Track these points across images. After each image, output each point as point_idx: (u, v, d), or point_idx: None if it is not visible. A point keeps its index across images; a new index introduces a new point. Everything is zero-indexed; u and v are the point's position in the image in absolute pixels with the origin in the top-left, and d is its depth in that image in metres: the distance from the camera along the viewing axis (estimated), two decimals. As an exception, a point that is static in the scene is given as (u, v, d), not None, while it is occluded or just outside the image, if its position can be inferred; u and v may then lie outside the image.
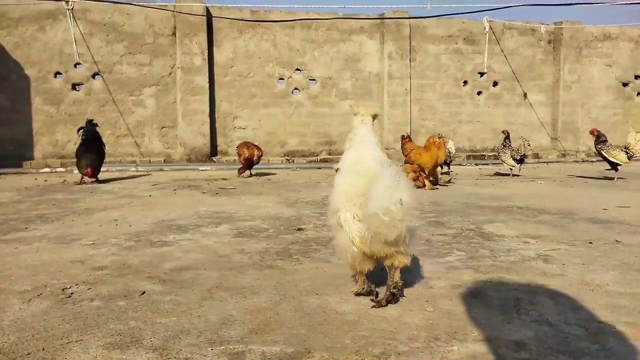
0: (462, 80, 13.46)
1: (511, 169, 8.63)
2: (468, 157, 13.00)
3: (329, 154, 12.57)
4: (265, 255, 3.17)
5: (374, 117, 2.47)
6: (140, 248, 3.39)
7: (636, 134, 7.95)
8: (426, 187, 6.73)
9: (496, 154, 9.40)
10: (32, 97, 10.89)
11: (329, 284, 2.59)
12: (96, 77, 11.21)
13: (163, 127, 11.65)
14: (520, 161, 8.53)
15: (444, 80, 13.32)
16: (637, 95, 14.80)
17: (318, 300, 2.34)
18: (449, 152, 8.29)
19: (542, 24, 13.79)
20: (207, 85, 11.60)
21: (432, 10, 11.93)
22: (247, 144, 8.59)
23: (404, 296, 2.39)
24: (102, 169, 7.84)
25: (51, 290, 2.50)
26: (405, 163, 6.94)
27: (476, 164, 11.98)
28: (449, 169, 8.98)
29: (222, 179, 8.34)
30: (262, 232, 3.89)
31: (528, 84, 13.95)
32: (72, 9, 10.79)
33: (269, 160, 11.63)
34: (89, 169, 7.39)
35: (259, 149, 8.57)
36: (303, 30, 12.31)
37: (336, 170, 2.45)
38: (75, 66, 11.07)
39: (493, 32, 13.42)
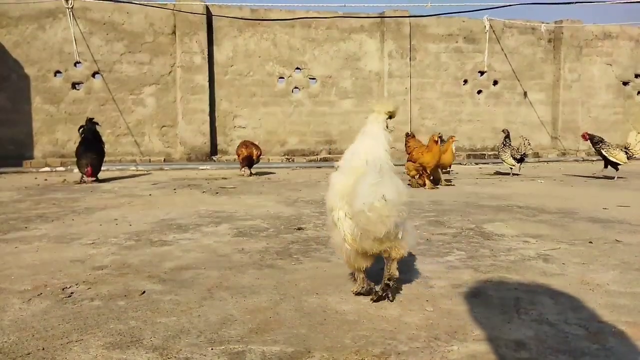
0: (462, 79, 13.46)
1: (511, 168, 8.62)
2: (468, 156, 13.00)
3: (329, 153, 12.57)
4: (265, 255, 3.17)
5: (391, 114, 2.47)
6: (140, 247, 3.39)
7: (637, 134, 7.94)
8: (426, 186, 6.73)
9: (496, 153, 9.40)
10: (32, 96, 10.89)
11: (329, 283, 2.59)
12: (96, 76, 11.21)
13: (163, 126, 11.65)
14: (521, 160, 8.52)
15: (444, 79, 13.31)
16: (637, 94, 14.80)
17: (318, 300, 2.34)
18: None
19: (543, 22, 13.79)
20: (207, 84, 11.60)
21: (432, 9, 12.02)
22: (245, 144, 8.60)
23: (400, 290, 2.39)
24: (102, 168, 7.84)
25: (51, 289, 2.50)
26: (407, 161, 6.94)
27: (476, 163, 11.98)
28: (449, 168, 8.97)
29: (222, 178, 8.34)
30: (262, 232, 3.89)
31: (528, 82, 13.94)
32: (72, 7, 10.78)
33: (269, 159, 11.64)
34: (89, 168, 7.39)
35: (257, 147, 8.58)
36: (303, 29, 12.31)
37: (337, 169, 2.46)
38: (75, 65, 11.07)
39: (493, 31, 13.41)
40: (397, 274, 2.35)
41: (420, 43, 13.06)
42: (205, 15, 11.52)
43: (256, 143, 8.88)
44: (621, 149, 7.87)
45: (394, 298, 2.35)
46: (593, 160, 11.83)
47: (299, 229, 3.99)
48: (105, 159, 8.08)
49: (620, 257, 3.09)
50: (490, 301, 2.31)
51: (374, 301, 2.31)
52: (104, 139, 8.17)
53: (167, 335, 1.94)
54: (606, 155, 7.84)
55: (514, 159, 8.40)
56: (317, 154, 12.55)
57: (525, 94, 13.97)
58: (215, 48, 11.82)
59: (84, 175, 7.53)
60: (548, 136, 14.29)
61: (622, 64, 14.57)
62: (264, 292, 2.45)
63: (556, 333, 1.95)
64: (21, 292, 2.46)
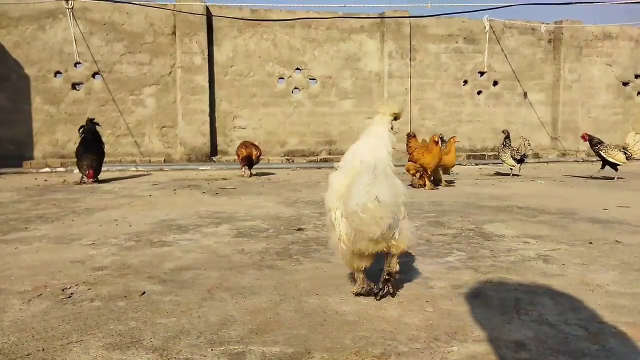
0: (462, 80, 13.46)
1: (511, 169, 8.62)
2: (468, 156, 13.00)
3: (329, 154, 12.57)
4: (265, 255, 3.17)
5: (396, 116, 2.48)
6: (140, 248, 3.39)
7: (635, 134, 7.94)
8: (426, 187, 6.73)
9: (496, 153, 9.40)
10: (32, 96, 10.89)
11: (329, 284, 2.59)
12: (96, 76, 11.21)
13: (163, 127, 11.65)
14: (521, 161, 8.53)
15: (444, 79, 13.31)
16: (637, 94, 14.80)
17: (318, 301, 2.34)
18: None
19: (543, 23, 13.79)
20: (207, 84, 11.60)
21: (432, 9, 11.99)
22: (245, 144, 8.60)
23: (399, 287, 2.39)
24: (102, 168, 7.84)
25: (51, 290, 2.50)
26: (408, 161, 6.93)
27: (476, 164, 11.98)
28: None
29: (222, 178, 8.34)
30: (262, 232, 3.89)
31: (528, 83, 13.95)
32: (72, 8, 10.79)
33: (269, 160, 11.64)
34: (90, 171, 7.40)
35: (257, 148, 8.58)
36: (303, 29, 12.31)
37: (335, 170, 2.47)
38: (75, 65, 11.07)
39: (493, 32, 13.41)
40: (397, 267, 2.36)
41: (420, 43, 13.06)
42: (205, 16, 11.52)
43: (256, 144, 8.89)
44: (619, 150, 7.86)
45: (395, 293, 2.36)
46: (593, 161, 11.83)
47: (299, 229, 3.99)
48: (105, 159, 8.08)
49: (620, 257, 3.09)
50: (490, 302, 2.31)
51: (378, 299, 2.32)
52: (104, 139, 8.17)
53: (167, 336, 1.94)
54: (604, 156, 7.84)
55: (514, 159, 8.40)
56: (317, 155, 12.55)
57: (525, 94, 13.97)
58: (215, 48, 11.83)
59: (84, 176, 7.53)
60: (548, 137, 14.29)
61: (622, 65, 14.57)
62: (264, 293, 2.45)
63: (556, 334, 1.95)
64: (21, 293, 2.46)
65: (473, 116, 13.62)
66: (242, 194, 6.25)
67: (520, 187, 7.12)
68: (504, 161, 8.50)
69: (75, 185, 7.38)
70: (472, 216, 4.59)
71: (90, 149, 7.51)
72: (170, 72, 11.58)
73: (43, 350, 1.83)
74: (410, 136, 7.19)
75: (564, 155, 13.82)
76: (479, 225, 4.14)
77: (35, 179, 8.36)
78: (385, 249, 2.27)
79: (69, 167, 9.83)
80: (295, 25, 12.22)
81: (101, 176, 7.81)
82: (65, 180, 8.06)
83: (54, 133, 11.04)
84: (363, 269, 2.35)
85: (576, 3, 11.85)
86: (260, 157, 8.75)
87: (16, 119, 10.79)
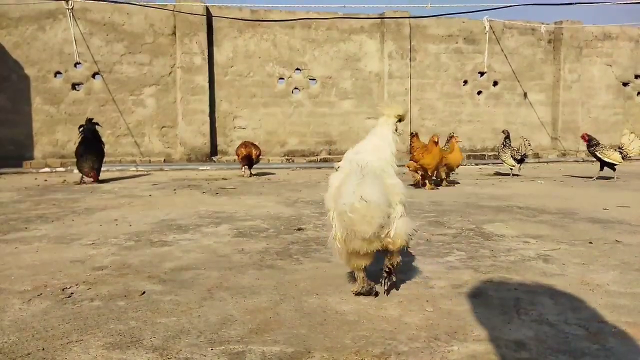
0: (462, 80, 13.46)
1: (511, 169, 8.62)
2: (468, 156, 13.00)
3: (329, 154, 12.57)
4: (265, 255, 3.17)
5: (400, 118, 2.50)
6: (140, 248, 3.39)
7: (630, 134, 7.96)
8: (426, 187, 6.72)
9: (496, 153, 9.40)
10: (32, 96, 10.89)
11: (329, 283, 2.59)
12: (96, 76, 11.21)
13: (163, 127, 11.65)
14: (521, 161, 8.53)
15: (444, 79, 13.31)
16: (637, 94, 14.80)
17: (318, 300, 2.34)
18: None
19: (542, 23, 13.79)
20: (207, 84, 11.60)
21: (432, 9, 11.99)
22: (245, 144, 8.61)
23: (399, 286, 2.39)
24: (102, 168, 7.84)
25: (51, 290, 2.50)
26: (410, 160, 6.92)
27: (476, 164, 11.98)
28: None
29: (222, 178, 8.34)
30: (262, 232, 3.89)
31: (528, 83, 13.95)
32: (72, 8, 10.79)
33: (269, 160, 11.64)
34: (93, 173, 7.41)
35: (257, 147, 8.59)
36: (303, 29, 12.31)
37: (337, 170, 2.48)
38: (75, 66, 11.07)
39: (493, 32, 13.41)
40: (398, 259, 2.37)
41: (420, 44, 13.06)
42: (205, 16, 11.53)
43: (256, 144, 8.89)
44: (615, 150, 7.87)
45: (398, 286, 2.41)
46: (593, 161, 11.79)
47: (299, 229, 3.99)
48: (105, 159, 8.08)
49: (620, 257, 3.09)
50: (491, 301, 2.31)
51: (386, 294, 2.35)
52: (103, 139, 8.17)
53: (167, 336, 1.94)
54: (600, 156, 7.84)
55: (514, 159, 8.40)
56: (317, 155, 12.55)
57: (525, 94, 13.97)
58: (215, 49, 11.83)
59: (84, 176, 7.54)
60: (548, 137, 14.29)
61: (622, 65, 14.57)
62: (264, 293, 2.45)
63: (556, 333, 1.95)
64: (21, 293, 2.46)
65: (473, 116, 13.62)
66: (242, 194, 6.25)
67: (520, 187, 7.12)
68: (504, 161, 8.50)
69: (75, 185, 7.39)
70: (472, 216, 4.59)
71: (90, 148, 7.51)
72: (170, 73, 11.58)
73: (43, 349, 1.83)
74: (413, 135, 7.18)
75: (564, 155, 13.82)
76: (479, 225, 4.14)
77: (35, 179, 8.36)
78: (380, 248, 2.28)
79: (68, 167, 9.83)
80: (295, 25, 12.23)
81: (101, 176, 7.81)
82: (65, 180, 8.06)
83: (54, 133, 11.04)
84: (363, 267, 2.36)
85: (576, 3, 11.86)
86: (260, 156, 8.75)
87: (16, 119, 10.79)
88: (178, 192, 6.52)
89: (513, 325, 2.03)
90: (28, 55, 10.83)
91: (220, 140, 12.03)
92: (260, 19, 11.98)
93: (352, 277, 2.60)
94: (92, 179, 7.46)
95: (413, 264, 2.95)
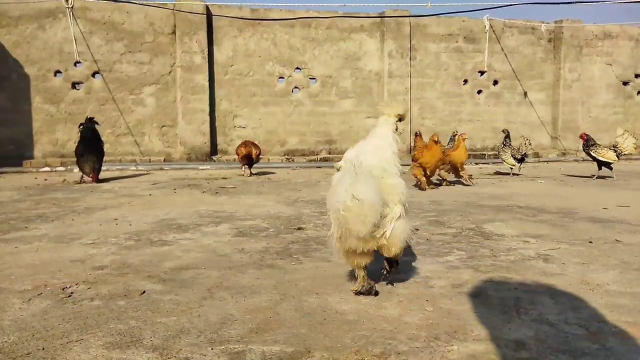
0: (462, 79, 13.45)
1: (511, 168, 8.62)
2: (468, 156, 12.98)
3: (329, 153, 12.57)
4: (265, 255, 3.17)
5: (399, 117, 2.51)
6: (141, 247, 3.39)
7: (624, 132, 7.97)
8: (425, 188, 6.71)
9: (496, 153, 9.39)
10: (32, 96, 10.89)
11: (329, 283, 2.59)
12: (96, 75, 11.20)
13: (163, 126, 11.65)
14: (521, 160, 8.52)
15: (444, 78, 13.30)
16: (637, 94, 14.79)
17: (318, 300, 2.34)
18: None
19: (543, 22, 13.78)
20: (207, 84, 11.59)
21: (433, 8, 12.01)
22: (245, 143, 8.61)
23: (395, 283, 2.40)
24: (102, 168, 7.84)
25: (51, 289, 2.50)
26: (412, 160, 6.90)
27: (476, 163, 11.98)
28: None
29: (222, 178, 8.34)
30: (262, 232, 3.89)
31: (528, 82, 13.94)
32: (72, 7, 10.78)
33: (269, 159, 11.64)
34: (93, 174, 7.42)
35: (257, 147, 8.58)
36: (303, 28, 12.30)
37: (337, 170, 2.49)
38: (75, 65, 11.07)
39: (493, 31, 13.40)
40: (397, 258, 2.43)
41: (420, 43, 13.05)
42: (205, 15, 11.52)
43: (256, 143, 8.89)
44: (609, 148, 7.87)
45: (390, 278, 2.49)
46: (592, 161, 11.83)
47: (299, 229, 3.99)
48: (105, 158, 8.08)
49: (620, 257, 3.09)
50: (490, 301, 2.31)
51: (377, 295, 2.37)
52: (103, 138, 8.17)
53: (167, 335, 1.94)
54: (595, 155, 7.85)
55: (515, 158, 8.39)
56: (317, 154, 12.55)
57: (525, 93, 13.96)
58: (215, 48, 11.82)
59: (84, 175, 7.54)
60: (548, 136, 14.28)
61: (622, 64, 14.56)
62: (264, 292, 2.45)
63: (556, 333, 1.95)
64: (21, 292, 2.46)
65: (473, 115, 13.61)
66: (242, 193, 6.25)
67: (521, 186, 7.12)
68: (504, 160, 8.50)
69: (75, 184, 7.38)
70: (472, 215, 4.59)
71: (90, 147, 7.50)
72: (170, 72, 11.58)
73: (43, 349, 1.83)
74: (417, 135, 7.14)
75: (564, 154, 13.82)
76: (479, 225, 4.14)
77: (35, 178, 8.36)
78: (376, 248, 2.28)
79: (69, 167, 9.83)
80: (295, 24, 12.22)
81: (101, 175, 7.81)
82: (65, 179, 8.06)
83: (54, 132, 11.04)
84: (363, 266, 2.36)
85: (576, 3, 11.85)
86: (260, 156, 8.75)
87: (16, 118, 10.79)
88: (178, 191, 6.52)
89: (513, 324, 2.03)
90: (28, 54, 10.82)
91: (220, 139, 12.02)
92: (260, 18, 11.97)
93: (352, 276, 2.60)
94: (93, 179, 7.46)
95: (413, 263, 2.96)
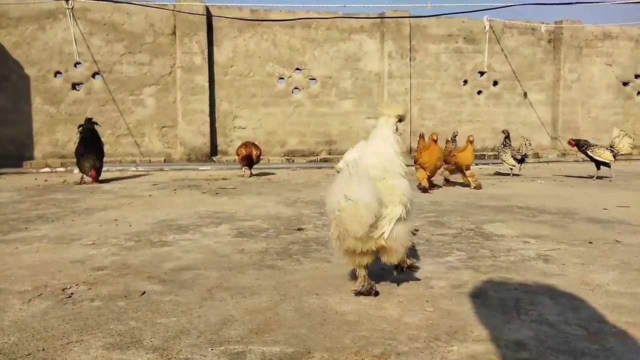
0: (462, 80, 13.45)
1: (511, 169, 8.62)
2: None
3: (329, 154, 12.57)
4: (265, 255, 3.17)
5: (400, 118, 2.51)
6: (141, 248, 3.39)
7: (620, 131, 8.02)
8: (425, 188, 6.67)
9: (496, 153, 9.39)
10: (32, 96, 10.89)
11: (329, 284, 2.59)
12: (96, 76, 11.21)
13: (163, 127, 11.65)
14: (521, 161, 8.52)
15: (444, 79, 13.31)
16: (637, 94, 14.80)
17: (318, 301, 2.34)
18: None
19: (543, 23, 13.78)
20: (207, 84, 11.60)
21: (432, 9, 11.98)
22: (245, 144, 8.61)
23: (408, 271, 2.42)
24: (102, 168, 7.83)
25: (51, 290, 2.50)
26: (414, 162, 6.86)
27: (476, 164, 11.96)
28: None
29: (222, 178, 8.34)
30: (262, 232, 3.89)
31: (528, 83, 13.94)
32: (72, 8, 10.78)
33: (269, 160, 11.64)
34: (93, 172, 7.41)
35: (257, 147, 8.59)
36: (303, 29, 12.31)
37: (337, 170, 2.50)
38: (75, 65, 11.07)
39: (493, 32, 13.41)
40: (404, 264, 2.48)
41: (420, 43, 13.06)
42: (205, 16, 11.52)
43: (256, 144, 8.89)
44: (606, 148, 7.90)
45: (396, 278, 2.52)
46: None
47: (299, 229, 3.99)
48: (105, 159, 8.08)
49: (620, 257, 3.09)
50: (490, 302, 2.31)
51: (377, 295, 2.39)
52: (103, 139, 8.17)
53: (167, 336, 1.95)
54: (592, 155, 7.87)
55: (515, 159, 8.39)
56: (317, 155, 12.55)
57: (525, 94, 13.97)
58: (215, 48, 11.82)
59: (84, 176, 7.54)
60: (548, 136, 14.29)
61: (622, 65, 14.57)
62: (264, 293, 2.45)
63: (556, 333, 1.95)
64: (21, 293, 2.46)
65: (473, 116, 13.61)
66: (242, 194, 6.25)
67: (520, 187, 7.12)
68: (504, 161, 8.50)
69: (75, 185, 7.38)
70: (472, 216, 4.59)
71: (90, 148, 7.50)
72: (170, 72, 11.58)
73: (43, 350, 1.83)
74: (420, 137, 7.09)
75: (564, 155, 13.81)
76: (479, 225, 4.14)
77: (35, 179, 8.36)
78: (374, 248, 2.28)
79: (69, 167, 9.82)
80: (295, 25, 12.22)
81: (101, 176, 7.81)
82: (65, 180, 8.06)
83: (54, 133, 11.04)
84: (364, 265, 2.37)
85: (576, 3, 11.85)
86: (261, 157, 8.75)
87: (16, 119, 10.79)
88: (178, 192, 6.52)
89: (513, 325, 2.03)
90: (28, 55, 10.82)
91: (220, 140, 12.03)
92: (260, 19, 11.98)
93: (352, 277, 2.60)
94: (91, 179, 7.46)
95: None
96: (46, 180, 8.05)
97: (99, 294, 2.44)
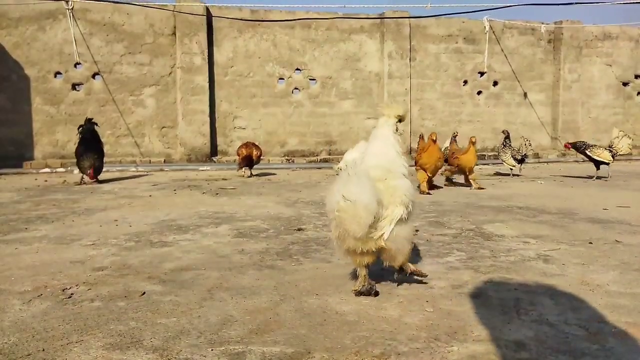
0: (462, 80, 13.45)
1: (511, 169, 8.62)
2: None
3: (329, 154, 12.57)
4: (265, 256, 3.17)
5: (400, 118, 2.52)
6: (141, 248, 3.39)
7: (619, 132, 8.07)
8: (420, 188, 6.65)
9: (496, 153, 9.39)
10: (32, 97, 10.89)
11: (329, 284, 2.59)
12: (96, 77, 11.21)
13: (163, 127, 11.65)
14: (521, 161, 8.52)
15: (444, 79, 13.31)
16: (637, 94, 14.80)
17: (318, 301, 2.34)
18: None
19: (542, 23, 13.79)
20: (207, 85, 11.60)
21: (432, 9, 11.94)
22: (246, 144, 8.61)
23: (414, 277, 2.49)
24: (102, 169, 7.83)
25: (51, 290, 2.50)
26: (414, 164, 6.84)
27: (476, 164, 11.97)
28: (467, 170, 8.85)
29: (222, 179, 8.34)
30: (262, 232, 3.89)
31: (528, 83, 13.95)
32: (72, 8, 10.78)
33: (269, 160, 11.63)
34: (90, 171, 7.41)
35: (258, 148, 8.58)
36: (303, 29, 12.31)
37: (337, 170, 2.51)
38: (75, 66, 11.07)
39: (493, 32, 13.41)
40: (408, 270, 2.47)
41: (420, 44, 13.06)
42: (205, 16, 11.52)
43: (257, 144, 8.89)
44: (605, 148, 7.93)
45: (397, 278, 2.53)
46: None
47: (299, 229, 3.99)
48: (105, 160, 8.08)
49: (620, 257, 3.09)
50: (490, 302, 2.31)
51: (377, 295, 2.39)
52: (103, 139, 8.17)
53: (167, 336, 1.95)
54: (591, 155, 7.90)
55: (515, 159, 8.39)
56: (317, 155, 12.55)
57: (525, 94, 13.97)
58: (215, 49, 11.82)
59: (84, 176, 7.54)
60: (548, 137, 14.29)
61: (622, 65, 14.57)
62: (264, 293, 2.45)
63: (556, 333, 1.95)
64: (21, 293, 2.46)
65: (473, 116, 13.61)
66: (242, 194, 6.25)
67: (520, 187, 7.12)
68: (504, 161, 8.50)
69: (75, 185, 7.38)
70: (472, 216, 4.59)
71: (90, 148, 7.50)
72: (170, 73, 11.58)
73: (43, 350, 1.83)
74: (420, 137, 7.06)
75: (564, 155, 13.81)
76: (479, 226, 4.14)
77: (35, 179, 8.36)
78: (375, 249, 2.28)
79: (69, 168, 9.82)
80: (295, 25, 12.22)
81: (101, 176, 7.81)
82: (65, 180, 8.06)
83: (54, 133, 11.04)
84: (365, 264, 2.37)
85: (576, 3, 11.85)
86: (261, 157, 8.75)
87: (16, 119, 10.79)
88: (178, 192, 6.52)
89: (513, 325, 2.03)
90: (28, 55, 10.82)
91: (220, 140, 12.03)
92: (260, 19, 11.98)
93: (352, 277, 2.60)
94: (90, 178, 7.45)
95: (413, 264, 2.95)
96: (46, 181, 8.05)
97: (99, 294, 2.44)
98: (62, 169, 9.98)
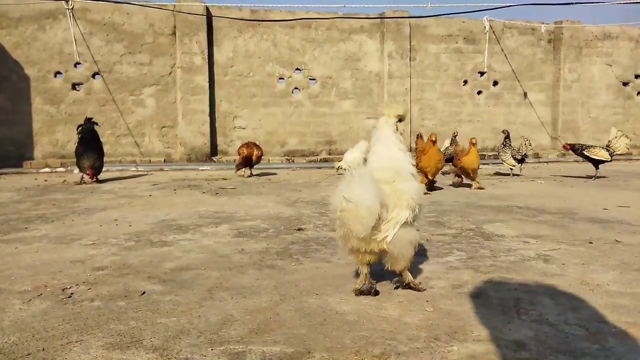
0: (462, 80, 13.45)
1: (511, 169, 8.62)
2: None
3: (329, 154, 12.57)
4: (265, 255, 3.17)
5: (400, 118, 2.52)
6: (140, 248, 3.39)
7: (617, 131, 8.14)
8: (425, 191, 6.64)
9: (496, 153, 9.39)
10: (32, 96, 10.89)
11: (329, 284, 2.59)
12: (96, 76, 11.21)
13: (163, 127, 11.65)
14: (521, 161, 8.53)
15: (444, 79, 13.31)
16: (637, 94, 14.80)
17: (318, 301, 2.34)
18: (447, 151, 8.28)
19: (542, 23, 13.79)
20: (207, 84, 11.60)
21: (432, 9, 11.93)
22: (247, 144, 8.60)
23: (412, 288, 2.46)
24: (102, 168, 7.83)
25: (51, 290, 2.50)
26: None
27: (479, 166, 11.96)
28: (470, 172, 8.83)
29: (222, 178, 8.34)
30: (262, 232, 3.89)
31: (528, 83, 13.95)
32: (72, 8, 10.78)
33: (269, 160, 11.63)
34: (90, 170, 7.41)
35: (258, 148, 8.58)
36: (303, 29, 12.31)
37: (337, 169, 2.53)
38: (75, 66, 11.07)
39: (493, 32, 13.41)
40: (408, 278, 2.47)
41: (420, 44, 13.06)
42: (205, 16, 11.52)
43: (258, 144, 8.88)
44: (602, 147, 7.97)
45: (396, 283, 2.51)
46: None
47: (299, 229, 3.99)
48: (106, 159, 8.08)
49: (620, 257, 3.09)
50: (490, 301, 2.31)
51: (377, 294, 2.39)
52: (103, 139, 8.16)
53: (167, 336, 1.95)
54: (589, 155, 7.93)
55: (515, 159, 8.40)
56: (317, 155, 12.55)
57: (525, 94, 13.97)
58: (215, 49, 11.82)
59: (84, 176, 7.53)
60: (548, 137, 14.29)
61: (622, 65, 14.57)
62: (264, 293, 2.45)
63: (556, 333, 1.95)
64: (21, 293, 2.46)
65: (473, 116, 13.61)
66: (242, 194, 6.25)
67: (520, 187, 7.12)
68: (504, 161, 8.50)
69: (75, 185, 7.38)
70: (472, 216, 4.59)
71: (90, 148, 7.50)
72: (170, 73, 11.58)
73: (43, 350, 1.83)
74: (418, 137, 6.95)
75: (564, 155, 13.79)
76: (479, 225, 4.14)
77: (36, 179, 8.36)
78: (377, 250, 2.29)
79: (69, 167, 9.82)
80: (295, 25, 12.22)
81: (101, 176, 7.81)
82: (65, 180, 8.06)
83: (54, 133, 11.04)
84: (368, 263, 2.38)
85: (576, 3, 11.85)
86: (262, 157, 8.75)
87: (16, 119, 10.79)
88: (178, 192, 6.52)
89: (513, 325, 2.03)
90: (28, 55, 10.82)
91: (220, 140, 12.03)
92: (260, 19, 11.98)
93: (352, 277, 2.60)
94: (90, 177, 7.45)
95: (413, 264, 2.95)
96: (46, 180, 8.05)
97: (99, 294, 2.44)
98: (62, 169, 9.98)
